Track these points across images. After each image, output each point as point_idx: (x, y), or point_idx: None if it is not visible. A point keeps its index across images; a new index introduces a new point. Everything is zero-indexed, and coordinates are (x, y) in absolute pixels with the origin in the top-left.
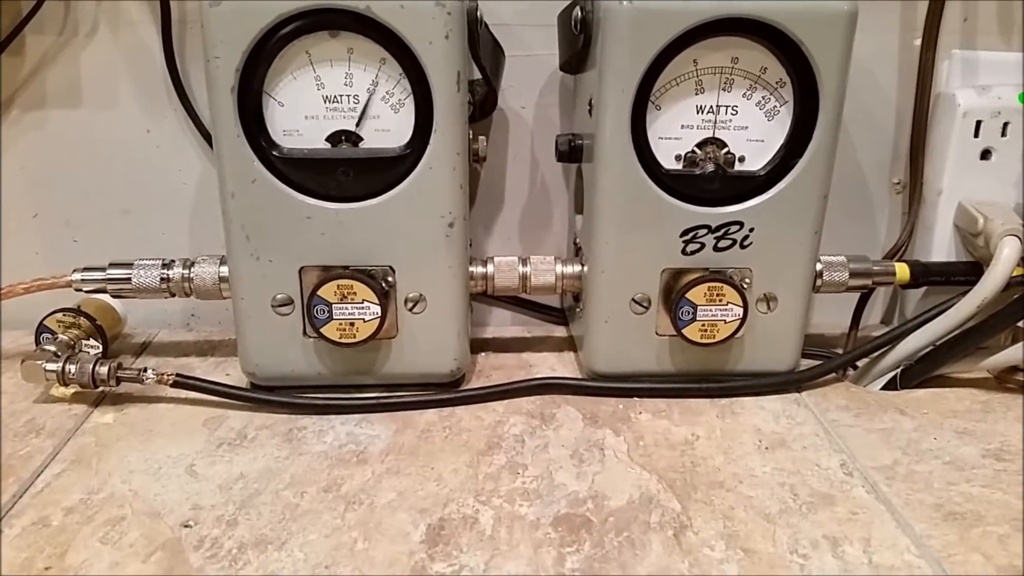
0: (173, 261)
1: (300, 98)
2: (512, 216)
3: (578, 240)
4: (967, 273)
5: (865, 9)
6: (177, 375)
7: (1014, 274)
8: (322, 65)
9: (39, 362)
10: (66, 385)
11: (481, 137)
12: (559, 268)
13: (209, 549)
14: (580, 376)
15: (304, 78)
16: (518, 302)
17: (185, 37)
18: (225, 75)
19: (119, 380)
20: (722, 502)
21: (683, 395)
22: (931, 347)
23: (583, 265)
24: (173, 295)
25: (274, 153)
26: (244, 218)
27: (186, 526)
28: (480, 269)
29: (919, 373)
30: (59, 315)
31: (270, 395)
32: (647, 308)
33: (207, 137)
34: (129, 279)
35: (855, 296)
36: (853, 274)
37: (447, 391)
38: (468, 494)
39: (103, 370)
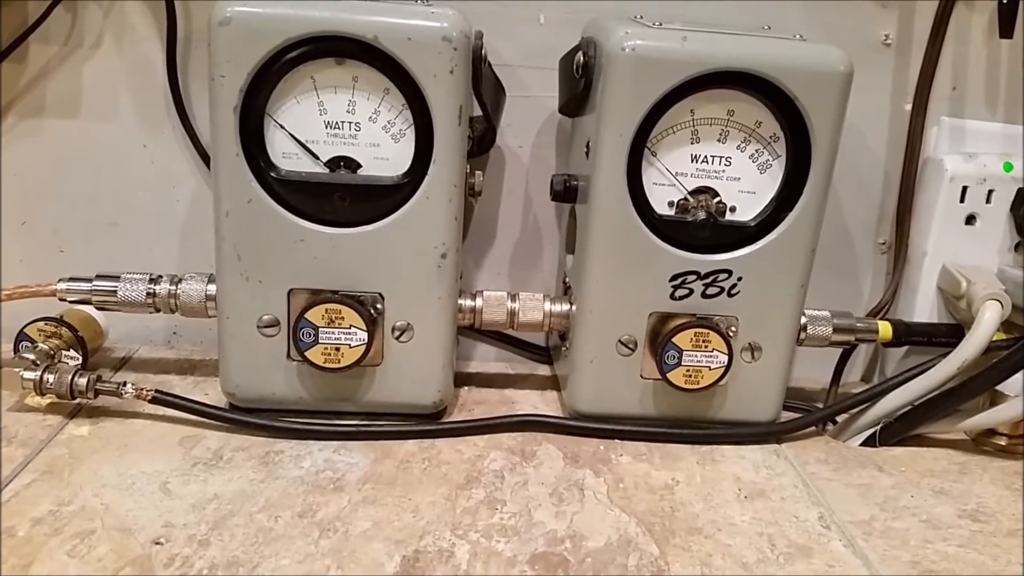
0: (160, 276)
1: (302, 122)
2: (503, 252)
3: (568, 279)
4: (948, 335)
5: (858, 72)
6: (156, 391)
7: (994, 338)
8: (326, 91)
9: (16, 370)
10: (43, 395)
11: (478, 172)
12: (547, 306)
13: (179, 568)
14: (562, 415)
15: (307, 102)
16: (503, 338)
17: (189, 55)
18: (229, 94)
19: (97, 392)
20: (700, 549)
21: (665, 439)
22: (910, 406)
23: (571, 304)
24: (158, 311)
25: (272, 174)
26: (237, 237)
27: (157, 543)
28: (469, 302)
29: (898, 431)
30: (40, 324)
31: (249, 417)
32: (633, 350)
33: (203, 155)
34: (115, 292)
35: (837, 352)
36: (837, 329)
37: (428, 422)
38: (445, 527)
39: (82, 381)
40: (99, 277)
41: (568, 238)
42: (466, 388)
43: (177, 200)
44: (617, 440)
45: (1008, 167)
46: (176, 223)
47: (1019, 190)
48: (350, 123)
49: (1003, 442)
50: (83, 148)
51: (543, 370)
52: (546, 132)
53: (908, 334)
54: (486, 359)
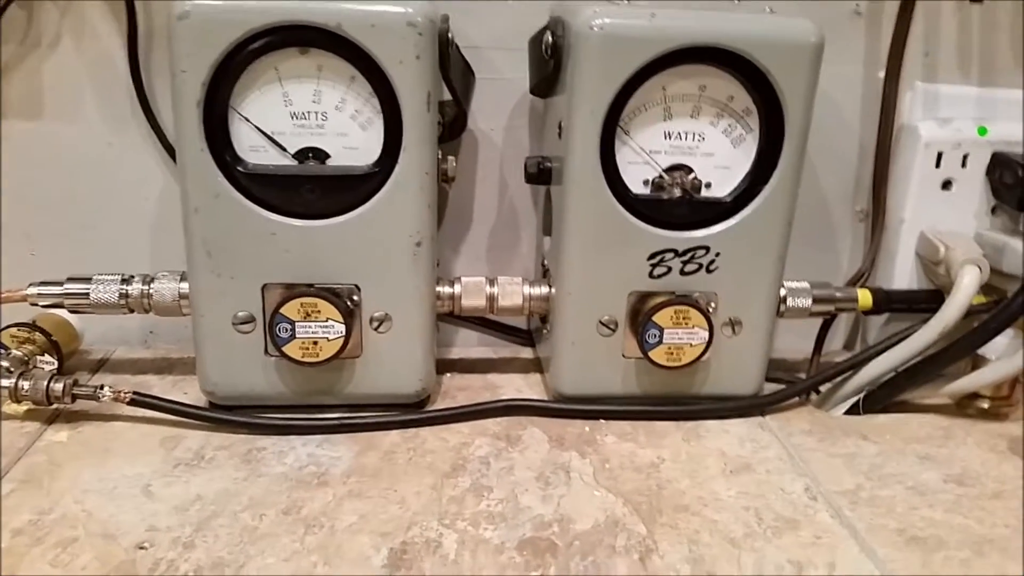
0: (132, 277)
1: (267, 114)
2: (480, 237)
3: (546, 262)
4: (928, 301)
5: (830, 41)
6: (134, 393)
7: (974, 302)
8: (290, 81)
9: None
10: (19, 402)
11: (450, 157)
12: (526, 289)
13: (165, 572)
14: (546, 398)
15: (271, 94)
16: (484, 323)
17: (151, 50)
18: (191, 89)
19: (74, 397)
20: (687, 526)
21: (649, 417)
22: (893, 373)
23: (551, 287)
24: (132, 311)
25: (239, 168)
26: (206, 234)
27: (141, 548)
28: (447, 289)
29: (881, 399)
30: (13, 330)
31: (229, 415)
32: (614, 330)
33: (170, 151)
34: (87, 294)
35: (818, 322)
36: (816, 300)
37: (411, 412)
38: (432, 517)
39: (58, 387)
40: (70, 280)
41: (545, 220)
42: (449, 375)
43: (146, 198)
44: (602, 420)
45: (983, 131)
46: (146, 221)
47: (994, 154)
48: (316, 113)
49: (986, 405)
50: (48, 149)
51: (526, 353)
52: (518, 114)
53: (888, 301)
54: (468, 344)
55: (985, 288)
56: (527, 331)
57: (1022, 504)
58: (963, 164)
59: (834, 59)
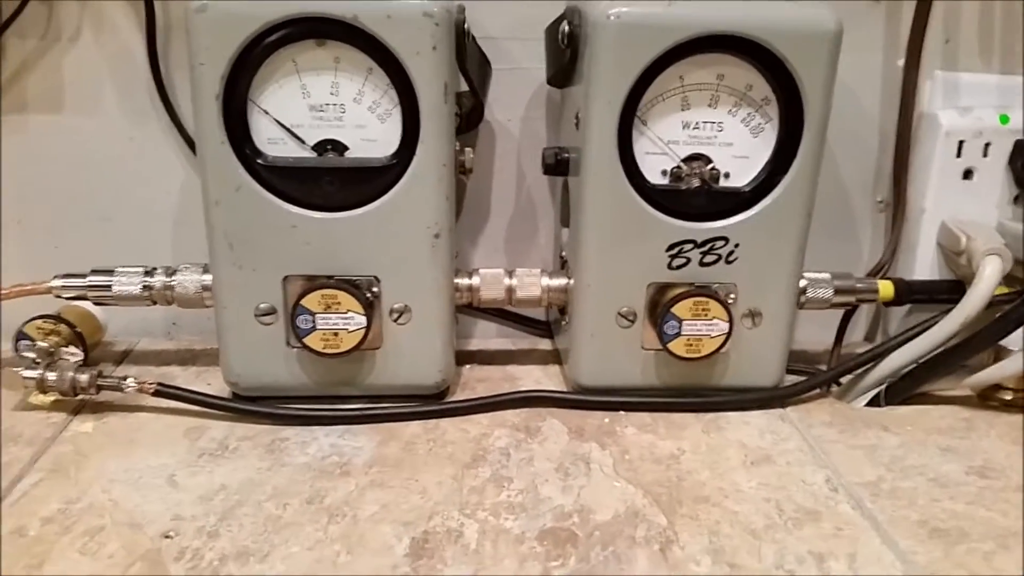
0: (155, 269)
1: (286, 106)
2: (498, 228)
3: (564, 253)
4: (950, 291)
5: (849, 29)
6: (158, 384)
7: (996, 293)
8: (308, 74)
9: (17, 369)
10: (45, 393)
11: (468, 149)
12: (545, 281)
13: (190, 560)
14: (565, 389)
15: (290, 86)
16: (503, 314)
17: (170, 43)
18: (210, 82)
19: (99, 388)
20: (708, 517)
21: (669, 409)
22: (914, 364)
23: (569, 278)
24: (155, 303)
25: (259, 161)
26: (228, 226)
27: (167, 537)
28: (465, 281)
29: (903, 390)
30: (39, 322)
31: (252, 405)
32: (633, 322)
33: (191, 144)
34: (110, 286)
35: (839, 313)
36: (837, 291)
37: (432, 403)
38: (453, 507)
39: (83, 377)
40: (94, 272)
41: (562, 211)
42: (468, 366)
43: (167, 191)
44: (621, 412)
45: (1004, 119)
46: (168, 214)
47: (1017, 142)
48: (335, 105)
49: (1009, 396)
50: (70, 143)
51: (544, 344)
52: (535, 105)
53: (909, 292)
54: (487, 336)
55: (1007, 279)
56: (546, 323)
57: None
58: (984, 153)
59: (853, 47)
